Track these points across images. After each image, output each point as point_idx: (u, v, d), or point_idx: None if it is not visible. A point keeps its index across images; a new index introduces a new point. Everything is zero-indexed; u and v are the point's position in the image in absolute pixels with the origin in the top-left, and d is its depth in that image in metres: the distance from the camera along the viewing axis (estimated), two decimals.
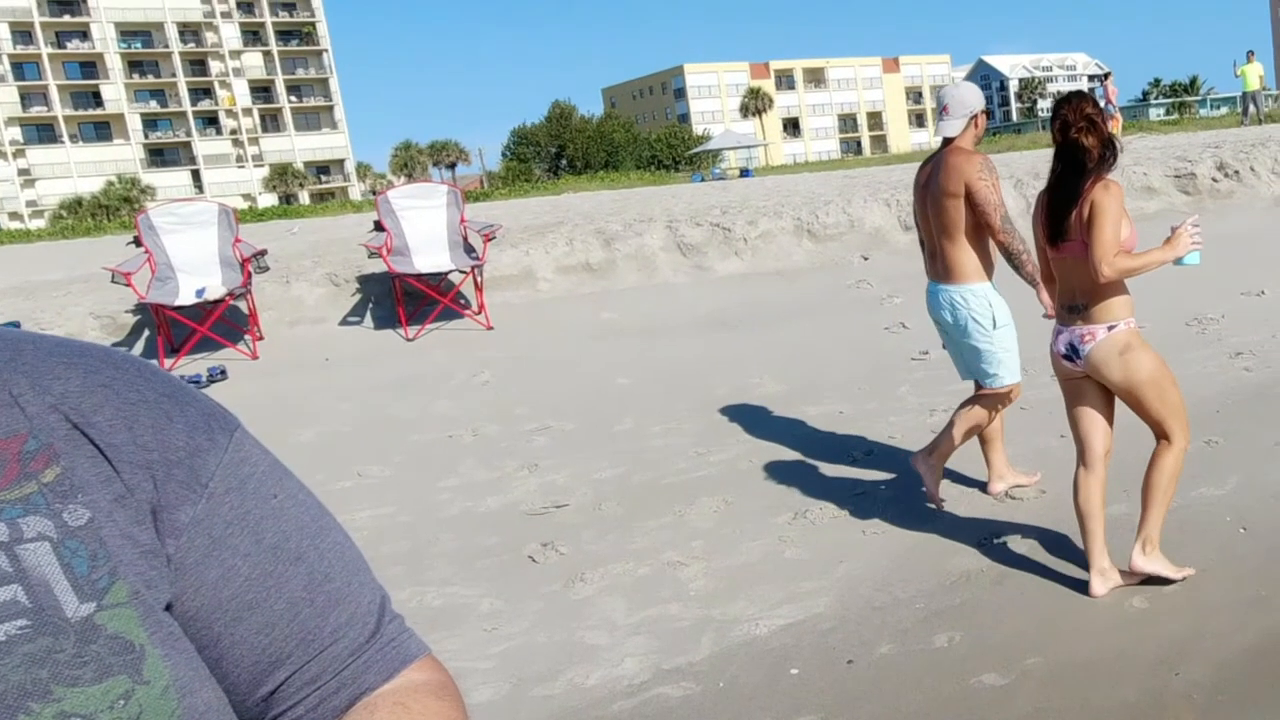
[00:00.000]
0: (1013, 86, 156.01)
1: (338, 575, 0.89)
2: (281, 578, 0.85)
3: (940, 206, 4.94)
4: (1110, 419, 4.18)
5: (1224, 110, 48.45)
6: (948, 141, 5.02)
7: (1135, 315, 4.07)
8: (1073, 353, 4.07)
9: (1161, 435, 4.10)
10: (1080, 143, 3.92)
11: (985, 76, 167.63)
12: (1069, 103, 4.03)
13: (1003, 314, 4.98)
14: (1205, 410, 6.07)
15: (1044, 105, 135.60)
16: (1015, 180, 14.65)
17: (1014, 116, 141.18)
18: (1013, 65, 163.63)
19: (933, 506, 5.19)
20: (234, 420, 0.88)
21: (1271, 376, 6.76)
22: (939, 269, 5.08)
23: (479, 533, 5.37)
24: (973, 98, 5.04)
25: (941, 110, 5.04)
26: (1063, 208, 3.96)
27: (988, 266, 4.99)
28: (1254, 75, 25.38)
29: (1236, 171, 14.74)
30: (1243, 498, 4.93)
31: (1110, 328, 3.98)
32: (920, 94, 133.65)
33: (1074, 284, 4.04)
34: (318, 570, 0.87)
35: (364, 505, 5.86)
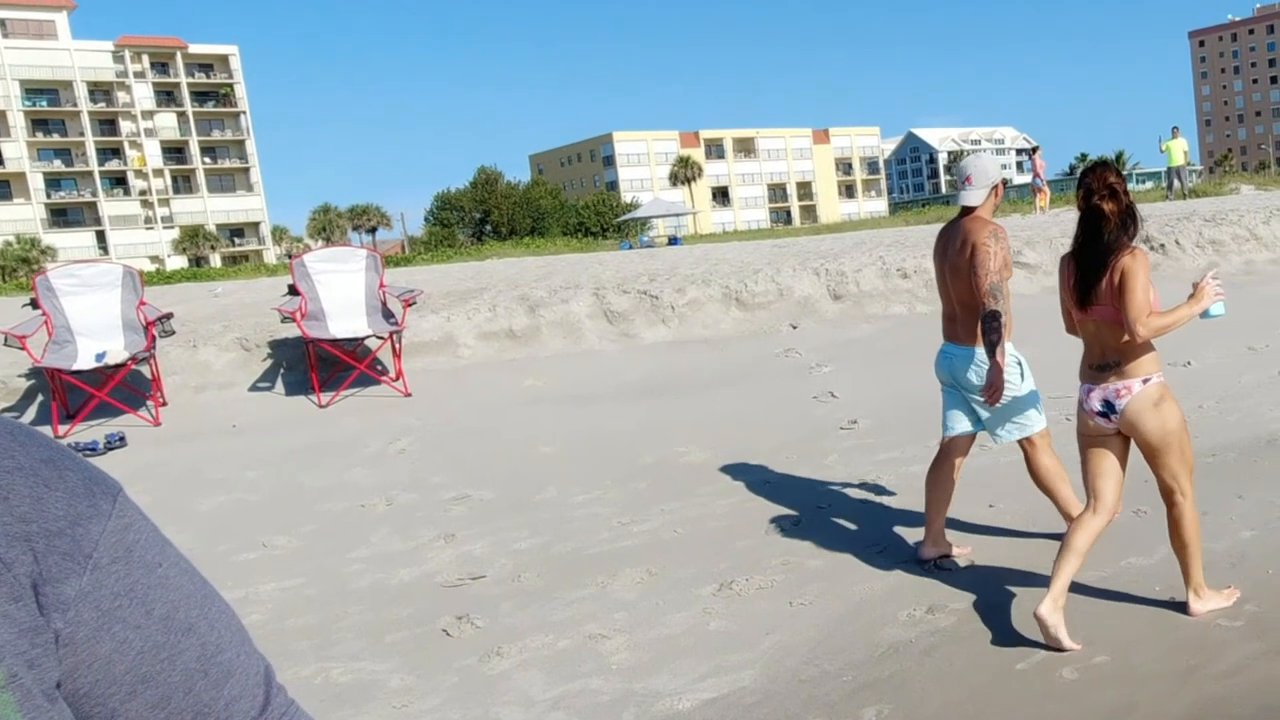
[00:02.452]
0: (941, 159, 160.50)
1: (228, 646, 0.87)
2: (174, 650, 0.83)
3: (958, 272, 5.16)
4: (1123, 478, 4.48)
5: (1149, 185, 50.20)
6: (967, 210, 5.24)
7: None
8: (1108, 409, 4.33)
9: (1170, 492, 4.40)
10: (1101, 209, 4.23)
11: (915, 149, 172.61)
12: (1093, 171, 4.34)
13: (1026, 366, 5.25)
14: (1133, 480, 6.16)
15: None
16: None
17: (943, 189, 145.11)
18: (942, 138, 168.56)
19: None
20: (115, 485, 0.85)
21: (1198, 447, 6.90)
22: (959, 331, 5.28)
23: (391, 605, 5.27)
24: (994, 169, 5.29)
25: (964, 180, 5.26)
26: (1091, 273, 4.25)
27: (1008, 325, 5.14)
28: (1178, 151, 26.38)
29: (1162, 245, 15.24)
30: (1172, 567, 4.99)
31: (1145, 381, 4.29)
32: (850, 165, 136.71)
33: (1105, 344, 4.34)
34: (209, 641, 0.86)
35: (269, 577, 5.72)
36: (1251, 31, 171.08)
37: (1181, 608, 4.57)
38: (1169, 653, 4.27)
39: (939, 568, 5.29)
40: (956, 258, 5.15)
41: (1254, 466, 6.42)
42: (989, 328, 4.97)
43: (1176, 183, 26.70)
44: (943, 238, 5.38)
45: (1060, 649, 4.30)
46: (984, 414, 5.31)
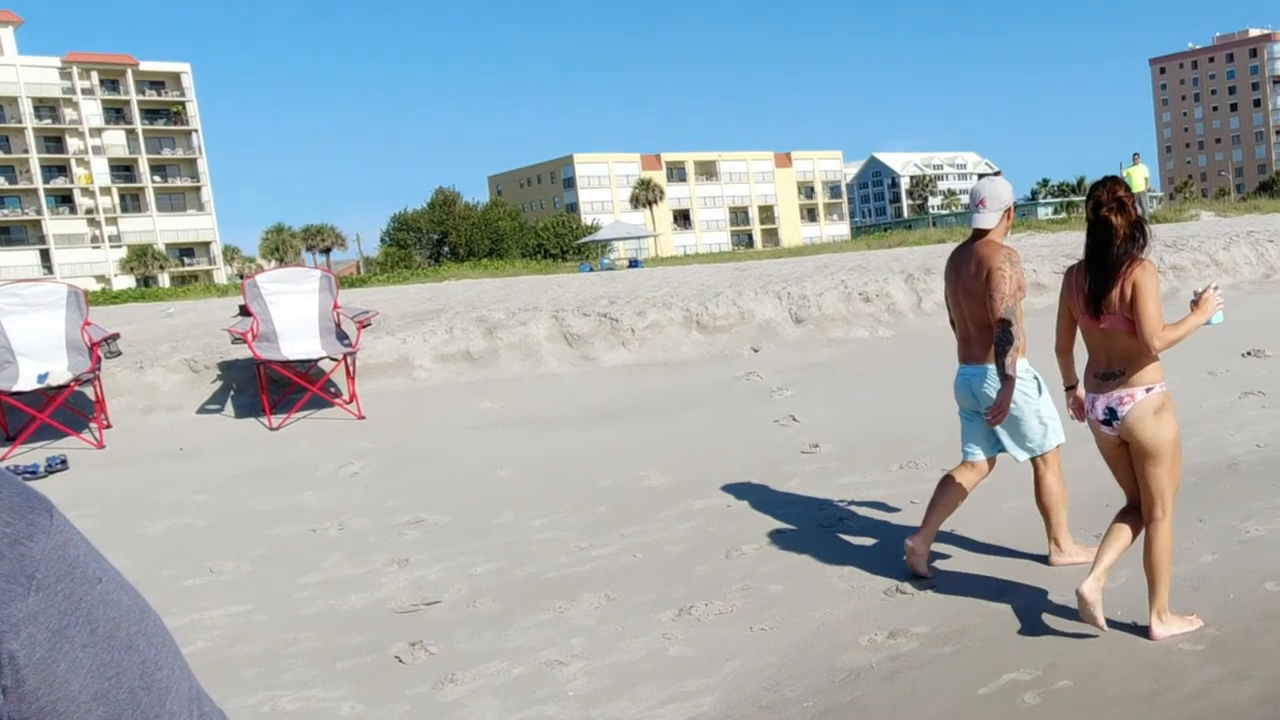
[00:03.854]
0: (904, 183, 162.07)
1: (165, 662, 0.88)
2: (119, 667, 0.83)
3: (972, 294, 5.29)
4: None
5: None
6: (980, 233, 5.37)
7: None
8: (1110, 415, 4.49)
9: (1151, 506, 4.52)
10: (1110, 221, 4.41)
11: (877, 173, 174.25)
12: (1103, 185, 4.52)
13: (1042, 382, 5.39)
14: (1093, 504, 6.26)
15: (935, 202, 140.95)
16: (906, 275, 15.12)
17: (905, 213, 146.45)
18: (904, 163, 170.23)
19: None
20: (47, 500, 0.85)
21: None
22: (974, 351, 5.41)
23: (342, 632, 5.21)
24: (1007, 193, 5.44)
25: (978, 204, 5.40)
26: (1102, 283, 4.40)
27: (1022, 345, 5.28)
28: (1139, 177, 26.80)
29: None
30: (1133, 592, 5.05)
31: (1148, 390, 4.44)
32: (812, 188, 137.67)
33: (1111, 353, 4.49)
34: (148, 658, 0.86)
35: (216, 603, 5.65)
36: (1212, 60, 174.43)
37: (1144, 632, 4.62)
38: (1131, 677, 4.30)
39: (900, 593, 5.31)
40: (970, 281, 5.29)
41: (1215, 490, 6.50)
42: (1001, 350, 5.13)
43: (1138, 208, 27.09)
44: (954, 260, 5.52)
45: (1096, 626, 4.49)
46: (1003, 432, 5.44)
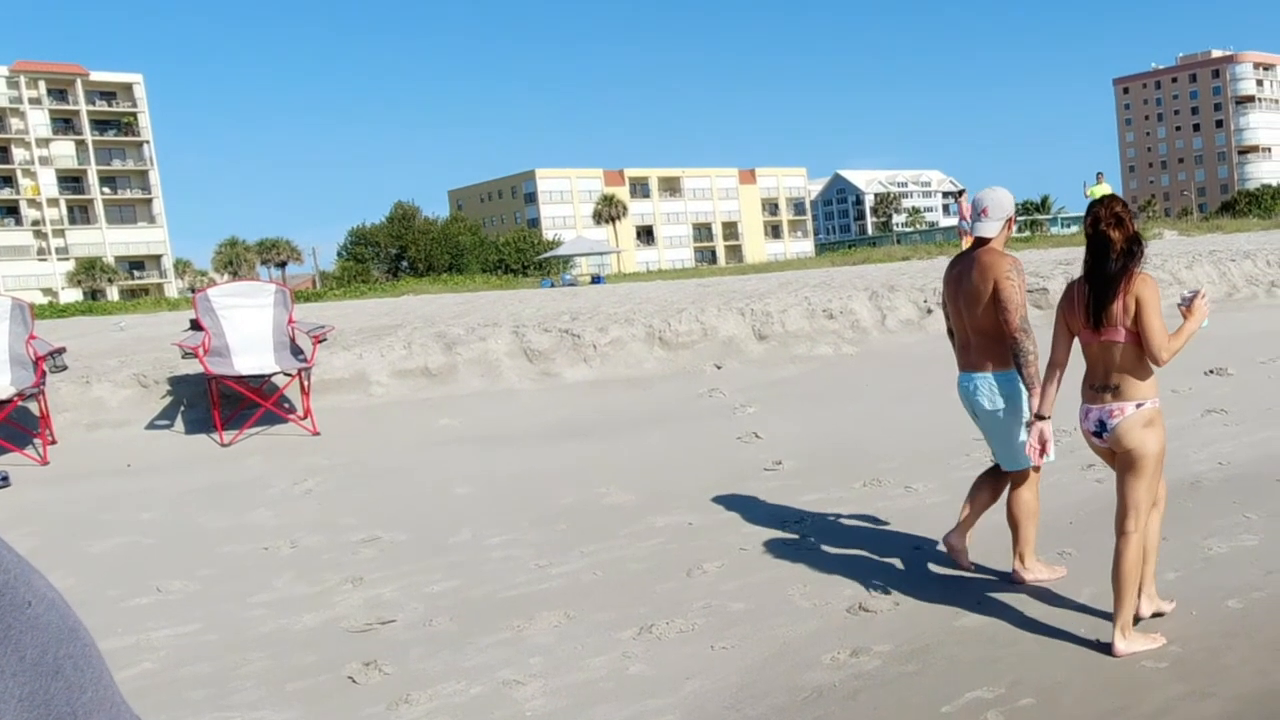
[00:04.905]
0: (868, 201, 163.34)
1: (89, 683, 0.86)
2: (47, 694, 0.81)
3: (974, 302, 5.41)
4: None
5: (1074, 229, 51.63)
6: (981, 241, 5.49)
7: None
8: (1100, 428, 4.64)
9: (1124, 519, 4.65)
10: (1108, 235, 4.57)
11: (842, 190, 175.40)
12: (1102, 202, 4.69)
13: None
14: (1059, 521, 6.33)
15: (899, 220, 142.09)
16: (870, 292, 15.23)
17: (869, 230, 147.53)
18: (868, 180, 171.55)
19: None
20: None
21: None
22: (973, 359, 5.53)
23: (293, 652, 5.16)
24: (1009, 203, 5.56)
25: (980, 212, 5.51)
26: (1102, 297, 4.55)
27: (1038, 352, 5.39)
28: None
29: None
30: (1097, 608, 5.11)
31: (1139, 405, 4.60)
32: (776, 205, 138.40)
33: (1109, 366, 4.64)
34: (74, 682, 0.84)
35: (163, 623, 5.57)
36: (1175, 80, 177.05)
37: (1107, 649, 4.65)
38: (1094, 694, 4.34)
39: (863, 610, 5.32)
40: (974, 288, 5.40)
41: (1179, 509, 6.55)
42: (1024, 361, 5.25)
43: None
44: (955, 268, 5.63)
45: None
46: (995, 442, 5.55)
